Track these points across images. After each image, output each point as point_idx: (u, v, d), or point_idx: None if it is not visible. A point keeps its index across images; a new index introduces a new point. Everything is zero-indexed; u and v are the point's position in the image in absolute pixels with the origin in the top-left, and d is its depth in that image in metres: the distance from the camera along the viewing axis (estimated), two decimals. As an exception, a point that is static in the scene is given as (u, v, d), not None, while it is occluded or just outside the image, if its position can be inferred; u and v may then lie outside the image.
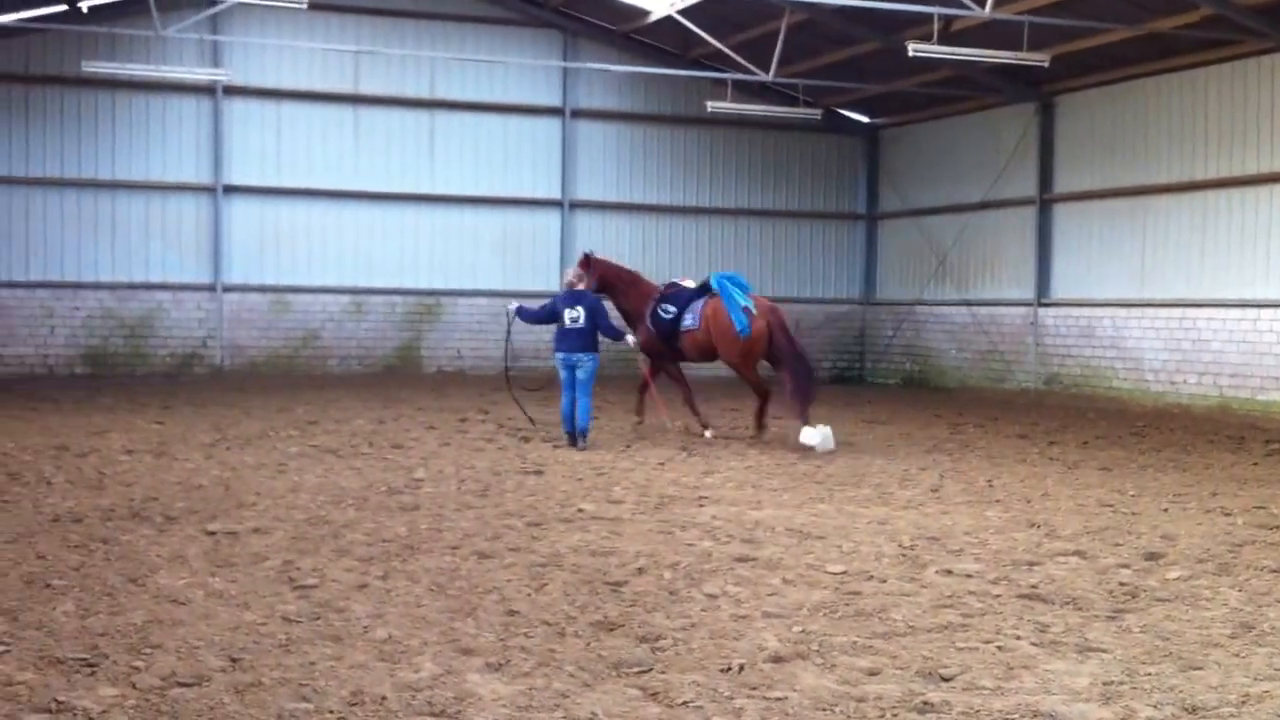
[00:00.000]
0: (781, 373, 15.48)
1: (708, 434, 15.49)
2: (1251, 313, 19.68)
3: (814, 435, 14.44)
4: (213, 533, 8.93)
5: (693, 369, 16.77)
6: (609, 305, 15.87)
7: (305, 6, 18.97)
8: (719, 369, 16.87)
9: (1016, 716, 5.31)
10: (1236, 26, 18.66)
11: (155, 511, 9.70)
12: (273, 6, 21.63)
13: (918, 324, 26.98)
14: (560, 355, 14.51)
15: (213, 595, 7.13)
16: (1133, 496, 11.44)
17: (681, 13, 22.31)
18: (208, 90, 24.27)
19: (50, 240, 23.68)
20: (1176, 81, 21.05)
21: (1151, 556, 8.63)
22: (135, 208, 24.15)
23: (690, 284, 16.22)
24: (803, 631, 6.57)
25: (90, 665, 5.76)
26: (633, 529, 9.42)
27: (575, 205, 26.51)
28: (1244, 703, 5.49)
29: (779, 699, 5.51)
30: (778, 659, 6.07)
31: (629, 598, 7.26)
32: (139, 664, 5.78)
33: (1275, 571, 8.18)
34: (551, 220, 26.42)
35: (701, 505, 10.54)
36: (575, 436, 14.38)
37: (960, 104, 25.43)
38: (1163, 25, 19.41)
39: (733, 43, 23.08)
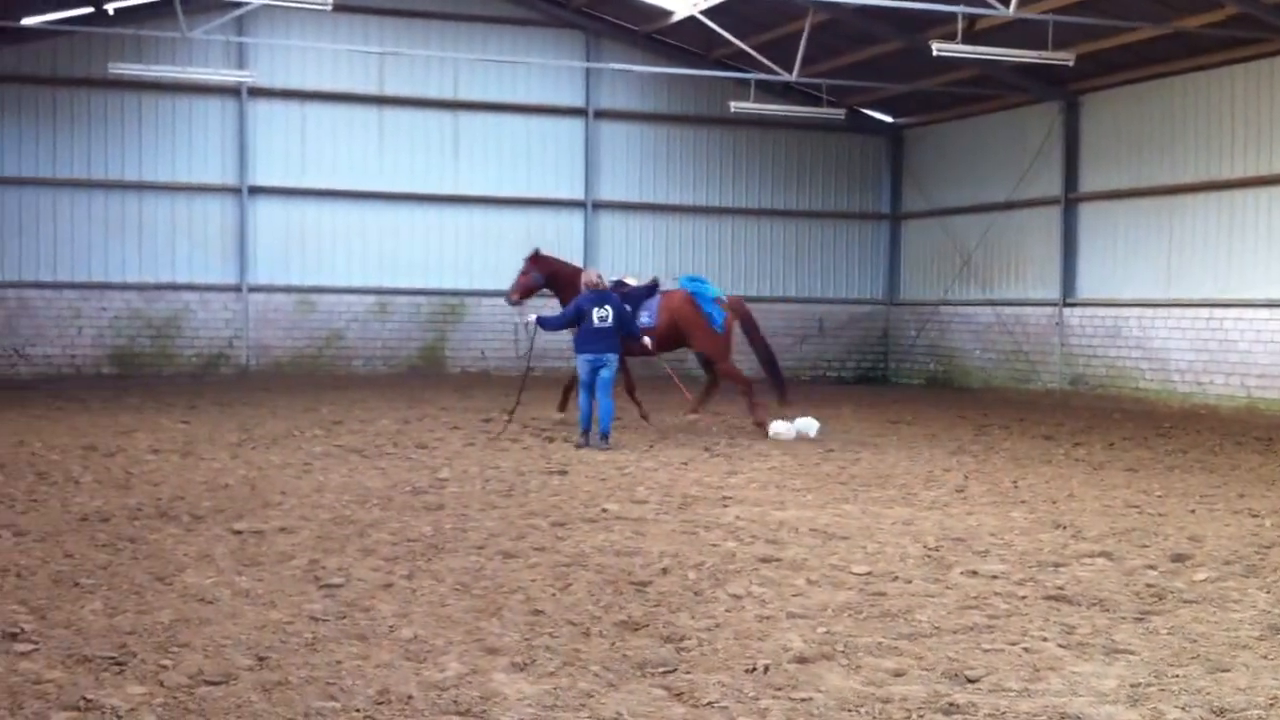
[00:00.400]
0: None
1: (646, 421, 16.15)
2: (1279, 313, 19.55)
3: (790, 428, 15.42)
4: (239, 532, 8.97)
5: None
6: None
7: (330, 8, 19.03)
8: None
9: (1043, 718, 5.29)
10: (1263, 25, 18.53)
11: (182, 511, 9.75)
12: (297, 8, 21.72)
13: (942, 324, 26.88)
14: (589, 356, 14.34)
15: (239, 594, 7.16)
16: (1159, 497, 11.36)
17: (704, 13, 22.31)
18: (233, 91, 24.40)
19: (77, 241, 23.85)
20: (1203, 80, 20.91)
21: (1179, 558, 8.57)
22: (161, 209, 24.30)
23: (633, 281, 16.51)
24: (827, 632, 6.56)
25: (118, 664, 5.79)
26: (657, 529, 9.42)
27: (598, 206, 26.53)
28: (1273, 705, 5.45)
29: (804, 699, 5.50)
30: (803, 659, 6.06)
31: (653, 598, 7.26)
32: (167, 662, 5.81)
33: (1304, 573, 8.12)
34: (575, 221, 26.45)
35: (725, 505, 10.53)
36: (590, 436, 14.33)
37: (984, 103, 25.33)
38: (1189, 23, 19.29)
39: (756, 43, 23.06)
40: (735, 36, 22.31)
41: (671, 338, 16.20)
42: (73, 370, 23.72)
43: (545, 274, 16.66)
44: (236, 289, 24.64)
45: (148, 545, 8.49)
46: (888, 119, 28.20)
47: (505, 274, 26.08)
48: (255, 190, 24.63)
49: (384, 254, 25.40)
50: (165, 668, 5.73)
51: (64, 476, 11.43)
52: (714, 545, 8.82)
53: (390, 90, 25.30)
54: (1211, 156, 20.79)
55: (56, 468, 11.95)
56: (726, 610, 7.00)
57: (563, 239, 26.28)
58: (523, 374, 16.56)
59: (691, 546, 8.76)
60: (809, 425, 15.79)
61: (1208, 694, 5.59)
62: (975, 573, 8.03)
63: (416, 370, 25.45)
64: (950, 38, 19.31)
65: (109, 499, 10.27)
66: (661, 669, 5.89)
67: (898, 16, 20.98)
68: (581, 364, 14.48)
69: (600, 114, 26.47)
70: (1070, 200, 23.69)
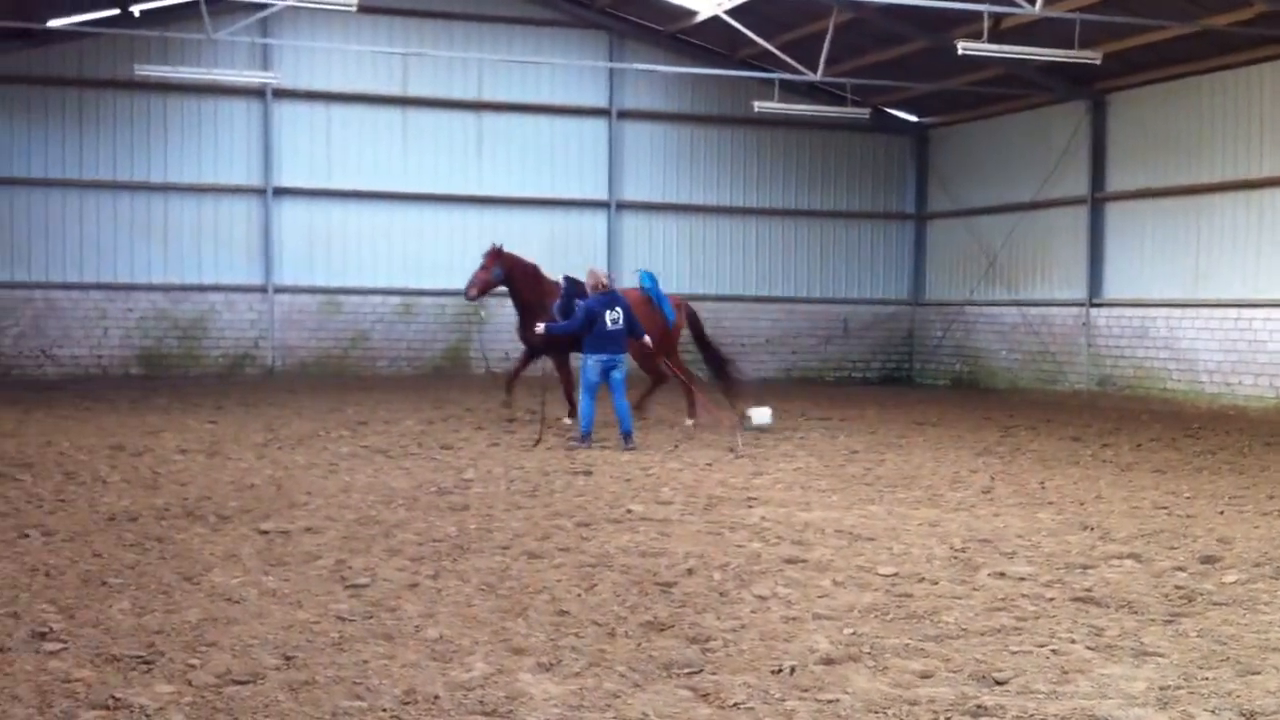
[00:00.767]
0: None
1: (566, 420, 16.11)
2: (1310, 313, 19.42)
3: (762, 415, 15.80)
4: (266, 532, 9.01)
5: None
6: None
7: (354, 9, 19.09)
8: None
9: (1072, 721, 5.26)
10: (1293, 22, 18.40)
11: (209, 511, 9.80)
12: (322, 9, 21.82)
13: (967, 324, 26.77)
14: (603, 358, 14.27)
15: (266, 594, 7.19)
16: (1188, 499, 11.28)
17: (728, 12, 22.27)
18: (258, 93, 24.52)
19: (104, 242, 24.00)
20: (1231, 79, 20.76)
21: (1208, 560, 8.51)
22: (187, 210, 24.43)
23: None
24: (854, 633, 6.53)
25: (146, 663, 5.82)
26: (682, 530, 9.40)
27: (622, 206, 26.53)
28: (1305, 709, 5.40)
29: (831, 701, 5.48)
30: (829, 661, 6.04)
31: (679, 598, 7.25)
32: (194, 661, 5.84)
33: (1336, 576, 8.04)
34: (598, 221, 26.47)
35: (750, 506, 10.50)
36: (590, 439, 14.24)
37: (1010, 102, 25.22)
38: (1217, 22, 19.16)
39: (780, 42, 23.01)
40: (759, 36, 22.26)
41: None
42: (100, 371, 23.88)
43: (505, 271, 16.58)
44: (262, 290, 24.76)
45: (175, 545, 8.53)
46: (913, 119, 28.10)
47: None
48: (280, 191, 24.73)
49: (408, 255, 25.47)
50: (193, 667, 5.75)
51: (92, 476, 11.50)
52: (739, 546, 8.80)
53: (414, 91, 25.36)
54: (1239, 155, 20.64)
55: (84, 468, 12.03)
56: (752, 611, 6.99)
57: (586, 240, 26.32)
58: (542, 392, 15.98)
59: (717, 547, 8.74)
60: (761, 414, 16.00)
61: (1238, 697, 5.55)
62: (1002, 574, 7.99)
63: (441, 371, 25.50)
64: (976, 37, 19.23)
65: (136, 499, 10.32)
66: (687, 670, 5.88)
67: (923, 15, 20.90)
68: (592, 366, 14.31)
69: (624, 114, 26.48)
70: (1097, 200, 23.55)
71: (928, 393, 25.23)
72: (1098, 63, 19.44)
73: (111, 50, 23.67)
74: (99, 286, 24.00)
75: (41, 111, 23.68)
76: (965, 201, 26.89)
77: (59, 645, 6.06)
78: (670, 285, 26.86)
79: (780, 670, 5.88)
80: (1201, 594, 7.51)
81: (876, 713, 5.34)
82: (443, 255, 25.62)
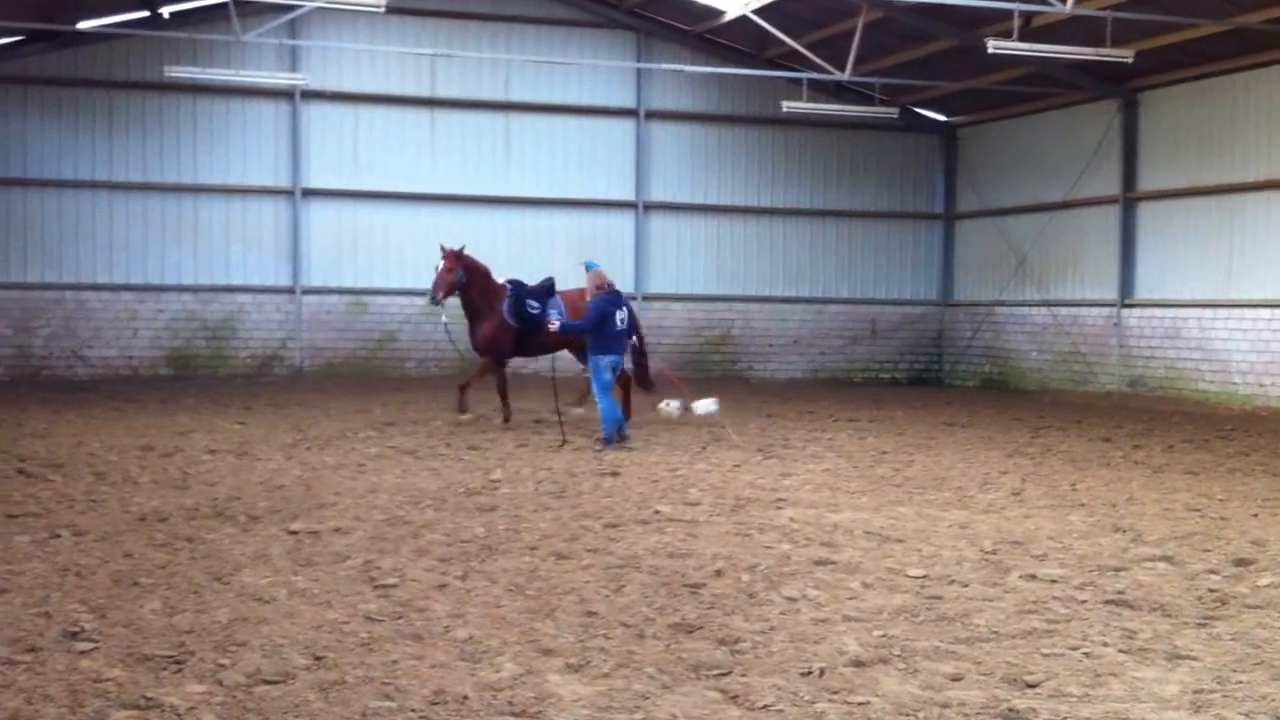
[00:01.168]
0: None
1: (465, 417, 16.13)
2: (1343, 313, 19.21)
3: (708, 405, 15.85)
4: (295, 532, 9.04)
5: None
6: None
7: (383, 10, 19.14)
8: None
9: (1106, 725, 5.21)
10: (1328, 19, 18.21)
11: (238, 511, 9.84)
12: (351, 11, 21.88)
13: (997, 325, 26.62)
14: (612, 359, 14.27)
15: (296, 594, 7.21)
16: (1221, 501, 11.17)
17: (756, 12, 22.21)
18: (286, 94, 24.63)
19: (134, 243, 24.16)
20: (1264, 77, 20.56)
21: (1241, 562, 8.43)
22: (216, 211, 24.57)
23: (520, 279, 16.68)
24: (884, 636, 6.50)
25: (178, 662, 5.85)
26: (710, 531, 9.38)
27: (649, 207, 26.52)
28: (1343, 714, 5.34)
29: (861, 704, 5.46)
30: (859, 663, 6.01)
31: (707, 600, 7.23)
32: (225, 661, 5.86)
33: (1373, 579, 7.94)
34: (626, 222, 26.46)
35: (779, 507, 10.47)
36: (613, 440, 14.19)
37: (1041, 101, 25.06)
38: (1250, 20, 18.98)
39: (808, 41, 22.94)
40: (787, 35, 22.20)
41: (571, 337, 16.38)
42: (130, 371, 24.04)
43: (466, 272, 16.29)
44: (290, 291, 24.87)
45: (205, 545, 8.57)
46: (942, 118, 27.98)
47: (557, 275, 26.03)
48: (308, 193, 24.84)
49: (436, 256, 25.46)
50: (224, 666, 5.78)
51: (122, 477, 11.57)
52: (768, 547, 8.77)
53: (442, 92, 25.43)
54: (1273, 154, 20.44)
55: (115, 468, 12.10)
56: (781, 613, 6.96)
57: (613, 240, 26.31)
58: (559, 408, 15.92)
59: (745, 549, 8.71)
60: (708, 405, 15.99)
61: (1272, 700, 5.50)
62: (1033, 577, 7.93)
63: (468, 372, 25.51)
64: (1006, 35, 19.12)
65: (167, 499, 10.38)
66: (716, 671, 5.87)
67: (952, 14, 20.79)
68: (604, 367, 14.26)
69: (651, 115, 26.46)
70: (1128, 199, 23.37)
71: (957, 394, 25.10)
72: (1129, 61, 19.28)
73: (141, 52, 23.83)
74: (129, 288, 24.15)
75: (72, 113, 23.86)
76: (995, 201, 26.74)
77: (90, 645, 6.09)
78: (697, 286, 26.96)
79: (810, 672, 5.86)
80: (1235, 597, 7.44)
81: (907, 715, 5.32)
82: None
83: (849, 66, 21.41)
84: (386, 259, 25.31)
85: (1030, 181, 25.70)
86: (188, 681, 5.58)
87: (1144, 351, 22.92)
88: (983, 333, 26.99)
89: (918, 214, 28.12)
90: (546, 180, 25.98)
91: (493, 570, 7.90)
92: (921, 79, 24.37)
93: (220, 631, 6.38)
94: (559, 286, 16.73)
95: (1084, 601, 7.30)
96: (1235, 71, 21.03)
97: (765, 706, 5.41)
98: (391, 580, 7.55)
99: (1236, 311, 21.04)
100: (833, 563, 8.26)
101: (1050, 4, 17.56)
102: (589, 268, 16.11)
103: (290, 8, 21.00)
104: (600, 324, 14.17)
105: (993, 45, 18.48)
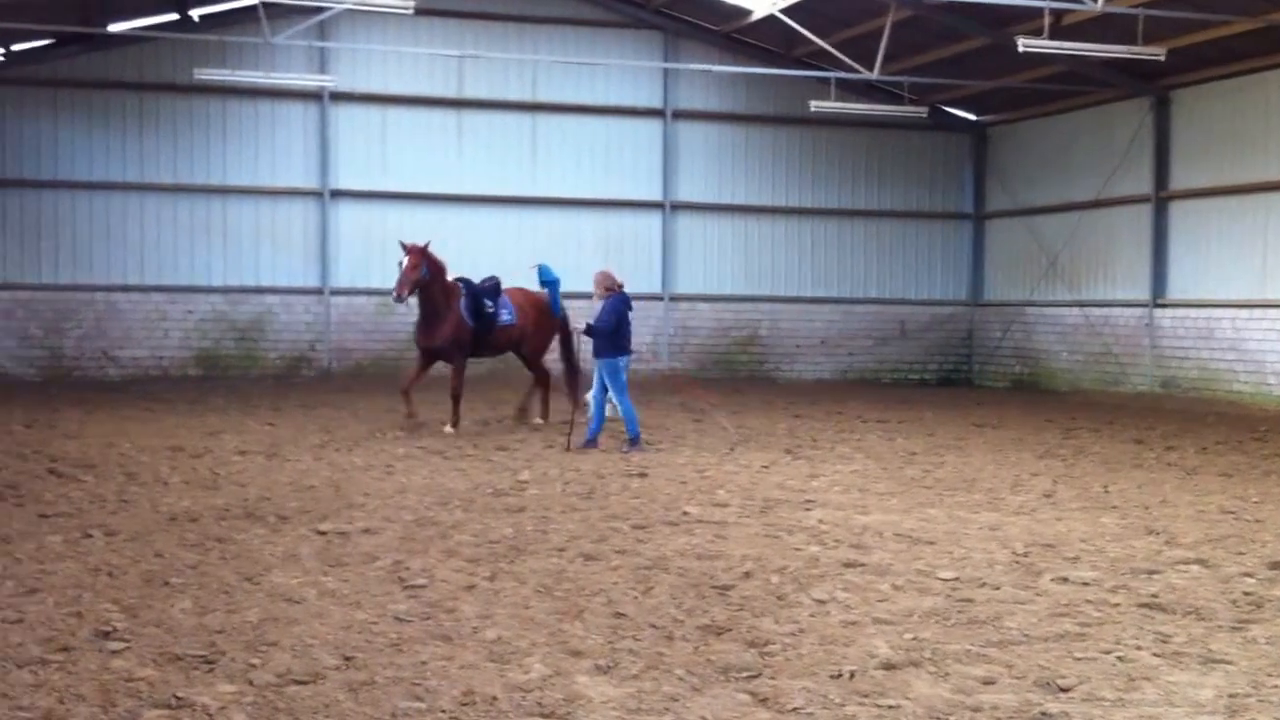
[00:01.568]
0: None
1: (446, 429, 15.42)
2: (1380, 312, 18.98)
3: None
4: (324, 532, 9.06)
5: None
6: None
7: (412, 12, 19.19)
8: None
9: (1141, 730, 5.16)
10: (1363, 16, 18.00)
11: (268, 511, 9.88)
12: (379, 12, 21.94)
13: (1028, 325, 26.45)
14: (626, 359, 14.33)
15: (325, 594, 7.23)
16: (1256, 503, 11.05)
17: (784, 11, 22.16)
18: (315, 96, 24.73)
19: (164, 245, 24.31)
20: (1299, 74, 20.37)
21: (1276, 565, 8.33)
22: (245, 213, 24.69)
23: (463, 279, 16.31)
24: (914, 639, 6.45)
25: (208, 662, 5.87)
26: (738, 532, 9.35)
27: (676, 207, 26.48)
28: (1383, 720, 5.26)
29: (891, 707, 5.42)
30: (889, 666, 5.97)
31: (736, 602, 7.20)
32: (255, 661, 5.88)
33: None
34: (653, 222, 26.43)
35: (808, 509, 10.43)
36: (639, 439, 14.19)
37: (1072, 99, 24.87)
38: (1284, 16, 18.80)
39: (836, 40, 22.86)
40: (815, 35, 22.14)
41: (523, 337, 16.39)
42: (160, 372, 24.18)
43: (430, 269, 15.79)
44: (318, 292, 24.97)
45: (235, 545, 8.60)
46: (971, 117, 27.83)
47: (584, 276, 26.17)
48: (337, 194, 24.93)
49: (463, 257, 25.32)
50: (254, 666, 5.79)
51: (153, 477, 11.64)
52: (797, 549, 8.74)
53: (469, 93, 25.47)
54: (1308, 152, 20.25)
55: (146, 468, 12.17)
56: (811, 615, 6.93)
57: (640, 241, 26.30)
58: (579, 402, 15.80)
59: (774, 550, 8.68)
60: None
61: (1312, 706, 5.42)
62: (1066, 579, 7.87)
63: (495, 373, 25.55)
64: (1037, 33, 19.00)
65: (197, 499, 10.43)
66: (746, 674, 5.84)
67: (982, 12, 20.68)
68: (623, 368, 14.27)
69: (678, 114, 26.43)
70: (1161, 198, 23.17)
71: (987, 395, 24.95)
72: (1162, 59, 19.12)
73: (171, 54, 23.97)
74: (159, 288, 24.31)
75: (102, 115, 24.03)
76: (1025, 200, 26.57)
77: (122, 644, 6.12)
78: (725, 286, 26.91)
79: (840, 675, 5.83)
80: (1270, 600, 7.37)
81: (938, 719, 5.27)
82: (497, 257, 25.59)
83: (878, 65, 21.32)
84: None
85: (1061, 181, 25.52)
86: (218, 681, 5.60)
87: (1177, 352, 22.72)
88: (1013, 333, 26.82)
89: (947, 213, 27.98)
90: (573, 181, 25.99)
91: (521, 571, 7.90)
92: (951, 78, 24.24)
93: (250, 631, 6.40)
94: (561, 287, 16.55)
95: (1117, 605, 7.24)
96: (1268, 69, 20.81)
97: (795, 709, 5.38)
98: (420, 581, 7.56)
99: (1272, 311, 20.83)
100: (862, 565, 8.22)
101: (1081, 2, 17.45)
102: (541, 271, 16.07)
103: (319, 10, 21.09)
104: (619, 325, 14.19)
105: (1023, 43, 18.37)
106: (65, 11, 21.81)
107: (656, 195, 26.38)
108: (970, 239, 28.02)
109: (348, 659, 5.95)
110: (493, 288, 16.29)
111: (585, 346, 15.10)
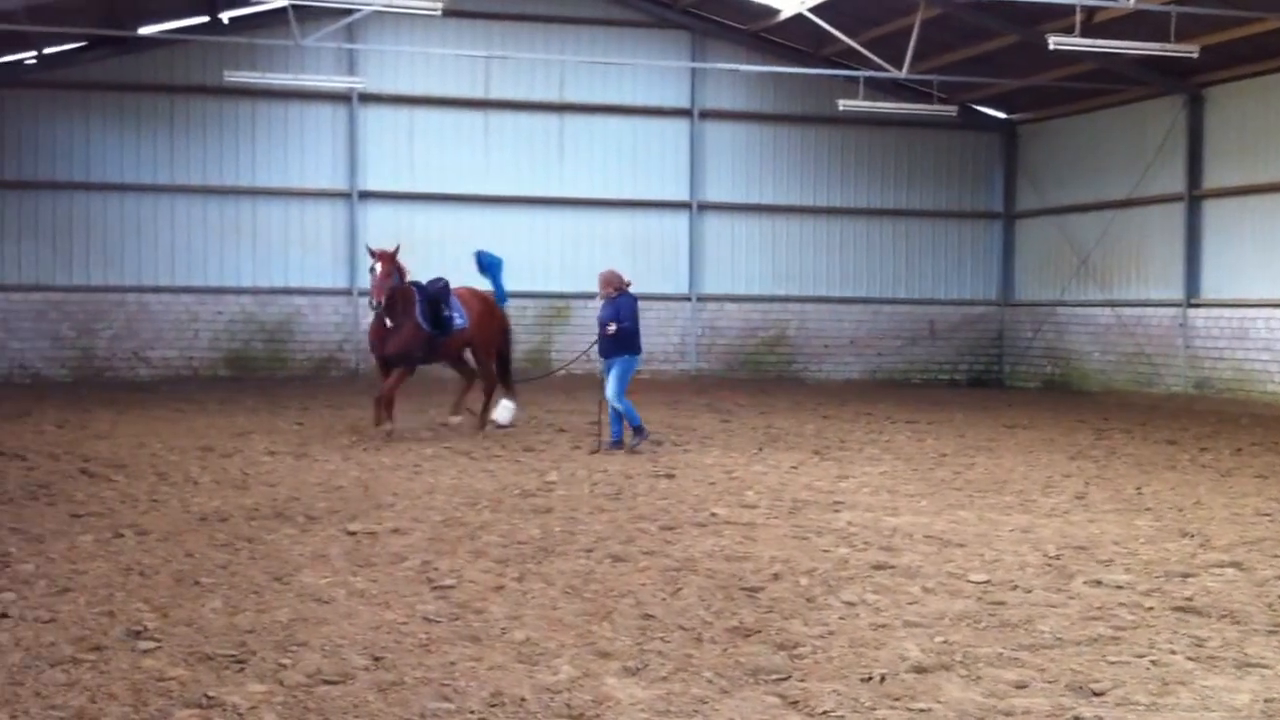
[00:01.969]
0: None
1: (386, 427, 14.75)
2: None
3: (506, 412, 15.71)
4: (353, 533, 9.08)
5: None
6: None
7: (440, 13, 19.22)
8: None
9: (1176, 735, 5.09)
10: (1401, 11, 17.78)
11: (297, 511, 9.91)
12: (407, 14, 21.99)
13: (1059, 325, 26.26)
14: (639, 358, 14.38)
15: (355, 594, 7.24)
16: (1291, 505, 10.94)
17: (812, 10, 22.07)
18: (343, 98, 24.82)
19: (194, 246, 24.46)
20: (1334, 71, 20.15)
21: (1315, 569, 8.24)
22: (274, 214, 24.81)
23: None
24: (945, 642, 6.41)
25: (239, 662, 5.89)
26: (767, 534, 9.31)
27: (704, 207, 26.44)
28: None
29: (923, 710, 5.38)
30: (920, 669, 5.93)
31: (765, 604, 7.17)
32: (286, 661, 5.89)
33: None
34: (680, 222, 26.39)
35: (837, 511, 10.38)
36: (645, 429, 14.17)
37: (1103, 97, 24.66)
38: (1319, 12, 18.59)
39: (865, 39, 22.76)
40: (843, 33, 22.04)
41: (471, 339, 15.95)
42: (190, 372, 24.32)
43: (398, 274, 15.28)
44: (346, 293, 25.05)
45: (265, 545, 8.63)
46: (1001, 115, 27.65)
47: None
48: (365, 195, 25.01)
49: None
50: (284, 666, 5.81)
51: (183, 477, 11.70)
52: (826, 551, 8.69)
53: (496, 94, 25.50)
54: (1343, 150, 20.02)
55: (176, 468, 12.24)
56: (840, 618, 6.89)
57: (667, 241, 26.27)
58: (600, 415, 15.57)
59: (803, 552, 8.64)
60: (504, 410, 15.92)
61: (1352, 713, 5.34)
62: (1099, 582, 7.79)
63: (522, 374, 25.58)
64: (1068, 30, 18.84)
65: (227, 499, 10.47)
66: (775, 676, 5.81)
67: (1013, 9, 20.54)
68: (634, 367, 14.29)
69: (706, 114, 26.38)
70: (1194, 197, 22.96)
71: (1018, 395, 24.80)
72: (1195, 56, 18.93)
73: (201, 57, 24.10)
74: (189, 290, 24.45)
75: (133, 117, 24.20)
76: (1056, 199, 26.39)
77: (153, 644, 6.14)
78: (752, 286, 26.84)
79: (870, 678, 5.79)
80: (1309, 604, 7.27)
81: (971, 724, 5.23)
82: (524, 257, 25.68)
83: (907, 64, 21.20)
84: (442, 260, 25.18)
85: (1092, 179, 25.33)
86: (249, 681, 5.61)
87: (1211, 352, 22.51)
88: (1044, 333, 26.64)
89: (977, 213, 27.81)
90: (600, 181, 25.98)
91: (549, 572, 7.89)
92: (981, 76, 24.09)
93: (281, 631, 6.41)
94: (503, 269, 16.44)
95: (1151, 608, 7.17)
96: (1303, 66, 20.62)
97: (825, 712, 5.35)
98: (449, 581, 7.56)
99: (1307, 312, 20.62)
100: (892, 567, 8.17)
101: (1113, -1, 17.30)
102: (479, 256, 15.93)
103: (348, 12, 21.16)
104: (636, 323, 14.24)
105: (1054, 41, 18.23)
106: (96, 14, 21.95)
107: (684, 195, 26.34)
108: (1000, 238, 27.85)
109: (377, 659, 5.96)
110: (442, 289, 15.67)
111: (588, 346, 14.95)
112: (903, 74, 21.56)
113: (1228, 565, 8.35)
